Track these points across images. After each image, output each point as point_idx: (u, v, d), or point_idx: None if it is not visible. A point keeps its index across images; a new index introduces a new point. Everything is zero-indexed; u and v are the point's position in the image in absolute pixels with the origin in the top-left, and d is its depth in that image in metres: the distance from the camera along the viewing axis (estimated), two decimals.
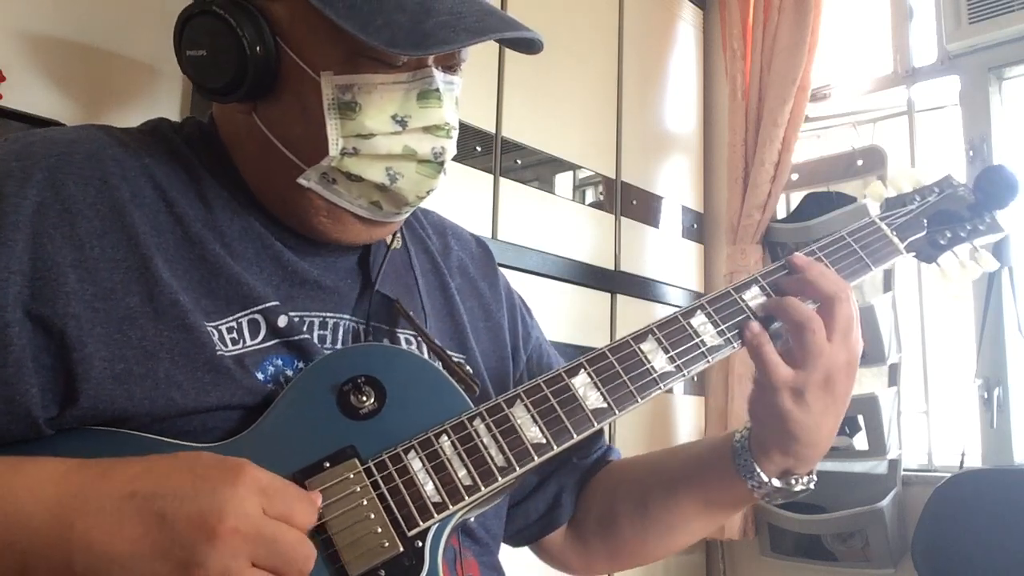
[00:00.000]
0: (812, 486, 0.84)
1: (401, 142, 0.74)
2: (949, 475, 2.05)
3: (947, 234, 0.94)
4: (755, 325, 0.81)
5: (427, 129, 0.75)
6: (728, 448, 0.86)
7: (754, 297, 0.84)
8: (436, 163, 0.76)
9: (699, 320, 0.82)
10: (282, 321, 0.74)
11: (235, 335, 0.72)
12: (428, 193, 0.78)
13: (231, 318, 0.72)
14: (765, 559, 2.41)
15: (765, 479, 0.83)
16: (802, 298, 0.82)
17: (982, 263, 0.96)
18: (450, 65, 0.77)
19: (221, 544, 0.55)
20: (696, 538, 0.96)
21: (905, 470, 2.29)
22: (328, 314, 0.79)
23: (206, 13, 0.74)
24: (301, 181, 0.75)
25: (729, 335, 0.82)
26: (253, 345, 0.73)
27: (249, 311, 0.73)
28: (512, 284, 1.03)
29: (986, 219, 0.96)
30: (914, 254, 0.94)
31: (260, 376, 0.72)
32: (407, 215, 0.82)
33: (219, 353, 0.70)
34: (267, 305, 0.74)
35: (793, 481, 0.83)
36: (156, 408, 0.66)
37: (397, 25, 0.68)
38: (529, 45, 0.76)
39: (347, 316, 0.80)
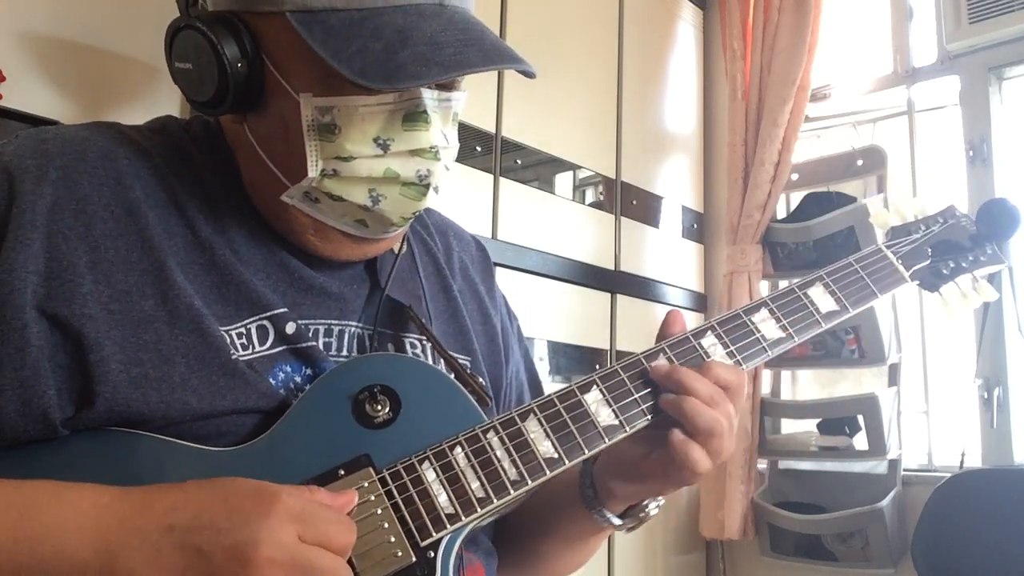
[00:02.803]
0: (658, 509, 0.85)
1: (383, 165, 0.72)
2: (949, 475, 2.05)
3: (950, 264, 0.97)
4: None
5: (413, 152, 0.73)
6: (576, 492, 0.85)
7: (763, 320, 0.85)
8: (421, 186, 0.74)
9: (709, 341, 0.82)
10: (290, 328, 0.74)
11: (244, 340, 0.72)
12: (414, 214, 0.77)
13: (240, 324, 0.72)
14: (765, 559, 2.41)
15: (618, 521, 0.83)
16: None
17: (982, 293, 0.98)
18: (446, 83, 0.75)
19: (257, 574, 0.55)
20: (577, 566, 0.95)
21: (905, 470, 2.30)
22: (334, 321, 0.79)
23: (191, 28, 0.73)
24: (284, 198, 0.75)
25: (739, 357, 0.82)
26: (262, 351, 0.73)
27: (258, 317, 0.73)
28: (511, 286, 1.03)
29: (987, 250, 0.99)
30: (918, 283, 0.96)
31: (272, 382, 0.72)
32: (398, 233, 0.81)
33: (234, 357, 0.70)
34: (276, 312, 0.74)
35: (643, 515, 0.84)
36: (171, 412, 0.66)
37: (371, 54, 0.67)
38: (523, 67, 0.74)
39: (353, 323, 0.80)
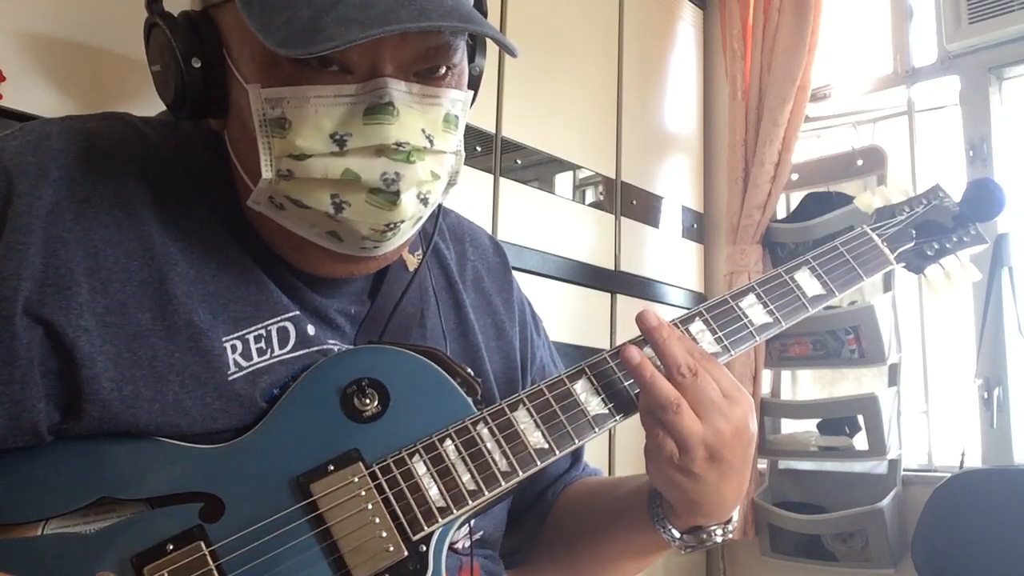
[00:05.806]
0: (731, 535, 0.80)
1: (341, 165, 0.65)
2: (949, 475, 2.05)
3: (934, 245, 0.97)
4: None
5: (377, 151, 0.65)
6: (645, 497, 0.81)
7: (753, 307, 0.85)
8: (388, 192, 0.66)
9: (697, 327, 0.81)
10: (311, 329, 0.72)
11: (263, 344, 0.70)
12: (388, 227, 0.68)
13: (260, 325, 0.70)
14: (765, 559, 2.41)
15: (677, 535, 0.79)
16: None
17: (966, 274, 0.98)
18: (438, 76, 0.69)
19: None
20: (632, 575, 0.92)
21: (905, 470, 2.29)
22: (328, 345, 0.76)
23: (154, 26, 0.70)
24: (251, 204, 0.70)
25: (727, 342, 0.82)
26: (280, 355, 0.71)
27: (279, 318, 0.71)
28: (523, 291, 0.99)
29: (971, 231, 0.98)
30: (903, 264, 0.95)
31: (264, 404, 0.70)
32: (383, 250, 0.73)
33: (231, 377, 0.68)
34: (295, 313, 0.72)
35: (706, 536, 0.78)
36: (161, 433, 0.65)
37: (297, 22, 0.61)
38: (505, 42, 0.67)
39: (346, 346, 0.77)
